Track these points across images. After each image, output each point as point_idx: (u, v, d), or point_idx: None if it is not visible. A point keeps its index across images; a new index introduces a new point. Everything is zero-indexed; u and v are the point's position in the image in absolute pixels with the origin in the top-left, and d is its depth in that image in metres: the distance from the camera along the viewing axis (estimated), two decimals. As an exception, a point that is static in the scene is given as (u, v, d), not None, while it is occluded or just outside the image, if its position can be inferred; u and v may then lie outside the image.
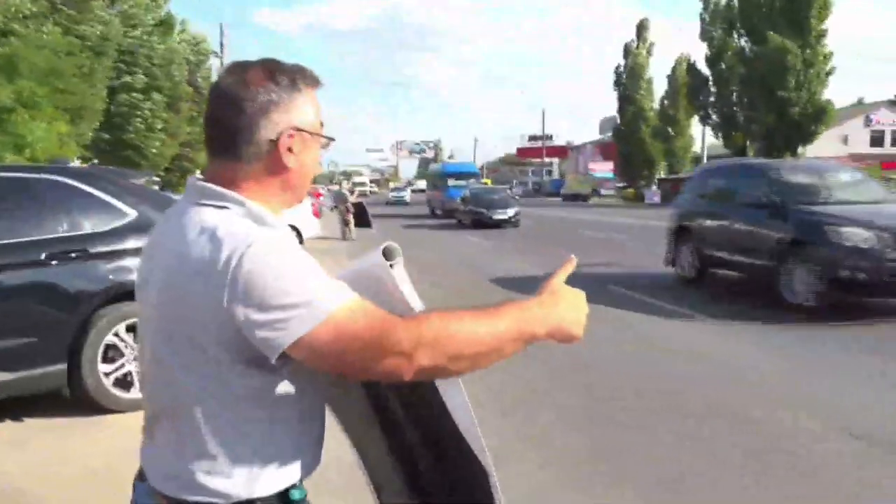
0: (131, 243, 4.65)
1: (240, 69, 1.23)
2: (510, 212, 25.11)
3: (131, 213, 4.84)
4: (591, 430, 4.56)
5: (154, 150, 28.63)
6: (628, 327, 7.57)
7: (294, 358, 1.12)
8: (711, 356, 6.31)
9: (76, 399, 4.68)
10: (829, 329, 7.16)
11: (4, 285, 4.35)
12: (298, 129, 1.23)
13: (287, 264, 1.11)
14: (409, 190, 60.21)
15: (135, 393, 4.66)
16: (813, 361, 6.11)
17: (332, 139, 1.32)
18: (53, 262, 4.45)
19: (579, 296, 1.28)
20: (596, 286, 10.42)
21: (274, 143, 1.21)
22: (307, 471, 1.27)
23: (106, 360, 4.64)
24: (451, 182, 32.67)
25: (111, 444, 4.15)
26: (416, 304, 1.22)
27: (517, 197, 40.14)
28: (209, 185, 1.21)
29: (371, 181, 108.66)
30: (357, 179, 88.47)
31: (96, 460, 3.96)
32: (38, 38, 17.68)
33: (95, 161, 26.33)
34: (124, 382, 4.70)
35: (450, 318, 1.14)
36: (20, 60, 16.66)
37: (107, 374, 4.64)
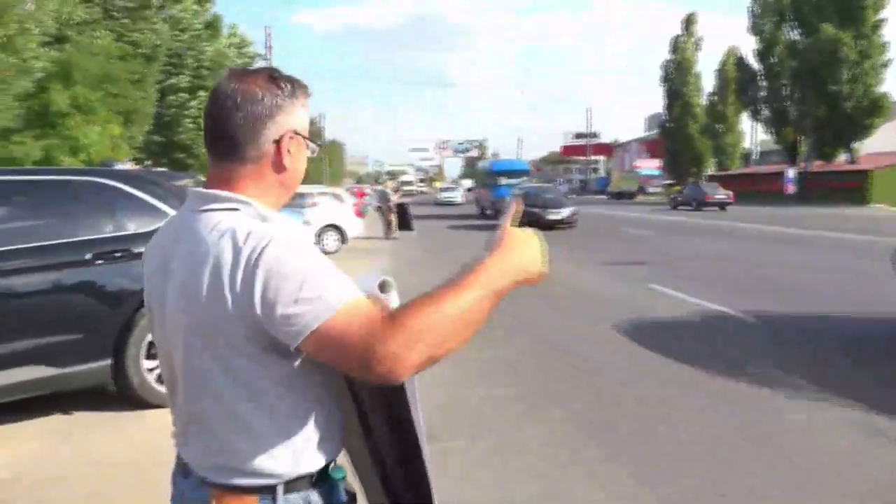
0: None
1: (243, 75, 1.31)
2: (565, 211, 22.71)
3: (173, 214, 4.99)
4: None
5: (203, 151, 29.28)
6: (668, 328, 7.48)
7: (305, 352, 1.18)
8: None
9: (121, 394, 4.84)
10: None
11: (52, 284, 4.54)
12: (296, 133, 1.31)
13: (301, 261, 1.17)
14: (461, 189, 53.43)
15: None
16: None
17: (319, 145, 1.43)
18: (99, 262, 4.62)
19: (530, 236, 1.29)
20: (635, 284, 10.31)
21: (276, 144, 1.29)
22: (338, 450, 1.35)
23: (150, 356, 4.79)
24: (501, 180, 31.09)
25: (153, 438, 4.29)
26: None
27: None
28: (213, 191, 1.28)
29: (419, 180, 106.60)
30: (404, 178, 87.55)
31: (138, 452, 4.10)
32: (91, 44, 18.28)
33: (148, 163, 27.11)
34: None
35: (427, 308, 1.15)
36: (74, 67, 17.27)
37: (150, 370, 4.79)
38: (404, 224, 21.31)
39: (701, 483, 3.69)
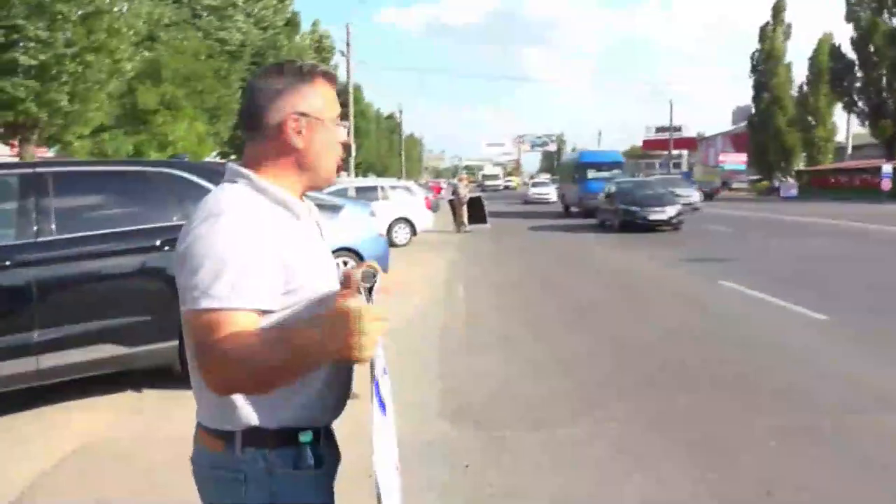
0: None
1: (265, 67, 1.47)
2: (669, 210, 19.44)
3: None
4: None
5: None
6: (734, 323, 7.27)
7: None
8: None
9: (186, 374, 5.10)
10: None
11: (125, 269, 4.85)
12: (303, 114, 1.40)
13: (218, 247, 1.26)
14: (554, 186, 43.22)
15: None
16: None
17: (345, 124, 1.54)
18: (167, 248, 4.89)
19: (362, 317, 1.16)
20: (707, 282, 10.04)
21: (280, 126, 1.40)
22: (313, 419, 1.41)
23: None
24: (590, 173, 27.27)
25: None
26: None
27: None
28: (235, 166, 1.44)
29: (505, 175, 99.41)
30: (487, 172, 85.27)
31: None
32: (180, 44, 19.16)
33: (233, 157, 28.17)
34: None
35: (250, 349, 1.20)
36: (163, 66, 18.17)
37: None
38: (479, 218, 21.24)
39: (755, 479, 3.60)
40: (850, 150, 47.69)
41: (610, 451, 4.04)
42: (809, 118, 47.20)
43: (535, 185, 46.86)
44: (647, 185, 22.57)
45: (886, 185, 34.77)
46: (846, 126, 46.71)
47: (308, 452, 1.38)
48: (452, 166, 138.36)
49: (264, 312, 1.29)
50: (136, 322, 4.81)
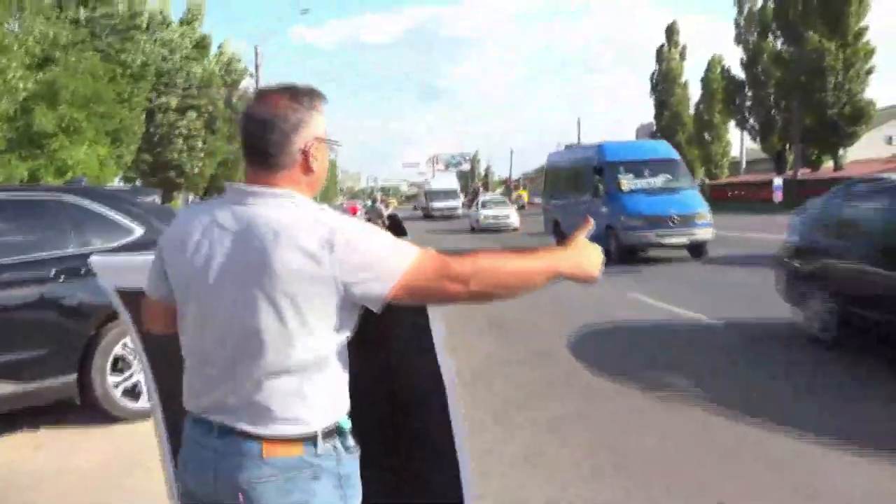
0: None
1: (267, 96, 1.57)
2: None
3: (138, 230, 5.11)
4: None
5: (195, 170, 29.42)
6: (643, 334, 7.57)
7: (395, 299, 1.47)
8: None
9: (87, 408, 4.91)
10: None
11: (16, 301, 4.62)
12: (319, 139, 1.57)
13: (368, 231, 1.50)
14: (514, 207, 34.37)
15: (143, 403, 4.86)
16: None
17: (338, 143, 1.74)
18: (62, 279, 4.70)
19: (596, 248, 1.64)
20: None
21: (303, 152, 1.54)
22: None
23: (115, 371, 4.87)
24: (624, 182, 14.94)
25: (121, 448, 4.37)
26: None
27: None
28: (266, 188, 1.53)
29: (509, 188, 69.79)
30: (437, 186, 52.01)
31: (108, 460, 4.18)
32: (77, 64, 18.40)
33: (138, 182, 27.21)
34: (133, 392, 4.92)
35: (496, 256, 1.53)
36: (61, 87, 17.39)
37: (116, 385, 4.86)
38: (399, 233, 21.40)
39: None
40: (744, 165, 50.51)
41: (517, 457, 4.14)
42: (706, 135, 49.76)
43: (486, 205, 31.87)
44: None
45: (778, 196, 36.98)
46: (740, 142, 49.48)
47: (350, 436, 1.58)
48: (369, 187, 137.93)
49: None
50: (31, 357, 4.59)
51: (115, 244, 4.96)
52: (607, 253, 9.70)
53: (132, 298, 1.99)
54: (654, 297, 9.63)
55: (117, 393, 4.87)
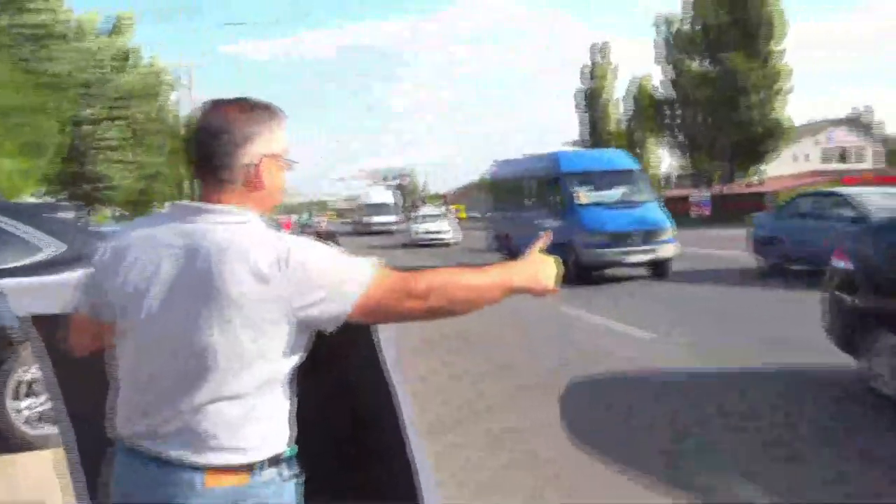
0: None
1: (220, 106, 1.49)
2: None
3: (52, 247, 4.82)
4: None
5: (123, 182, 28.52)
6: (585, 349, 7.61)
7: (352, 318, 1.44)
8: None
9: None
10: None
11: None
12: (273, 155, 1.51)
13: (327, 251, 1.45)
14: (450, 219, 33.48)
15: (48, 429, 4.54)
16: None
17: (296, 162, 1.62)
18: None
19: (552, 261, 1.64)
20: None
21: (254, 167, 1.48)
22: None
23: (16, 396, 4.54)
24: (578, 195, 13.80)
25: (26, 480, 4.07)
26: None
27: None
28: (212, 205, 1.47)
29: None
30: (376, 199, 47.88)
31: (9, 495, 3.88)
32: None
33: (64, 195, 26.18)
34: (38, 420, 4.60)
35: (451, 271, 1.53)
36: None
37: (18, 411, 4.54)
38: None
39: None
40: (674, 180, 52.19)
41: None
42: (637, 151, 51.19)
43: (423, 219, 31.17)
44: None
45: (705, 211, 38.27)
46: (666, 159, 51.14)
47: (296, 463, 1.53)
48: (307, 202, 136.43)
49: None
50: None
51: (25, 262, 4.66)
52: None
53: (46, 323, 1.88)
54: (610, 316, 9.74)
55: (20, 420, 4.54)
